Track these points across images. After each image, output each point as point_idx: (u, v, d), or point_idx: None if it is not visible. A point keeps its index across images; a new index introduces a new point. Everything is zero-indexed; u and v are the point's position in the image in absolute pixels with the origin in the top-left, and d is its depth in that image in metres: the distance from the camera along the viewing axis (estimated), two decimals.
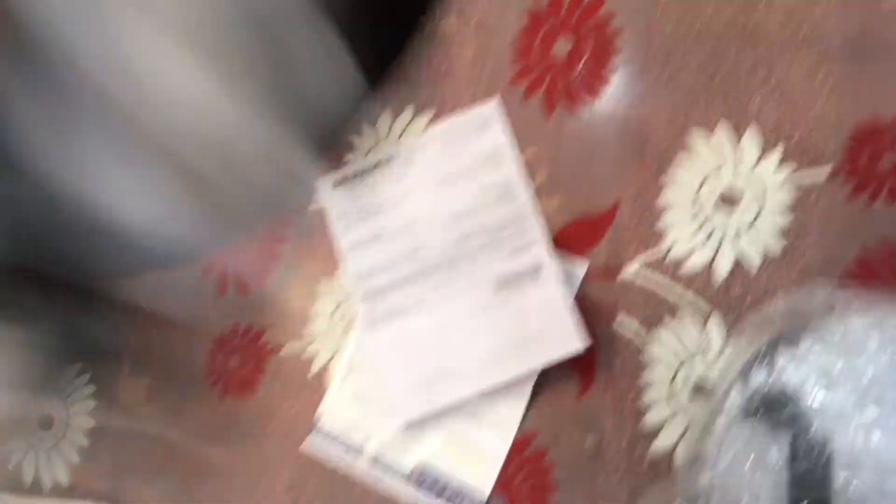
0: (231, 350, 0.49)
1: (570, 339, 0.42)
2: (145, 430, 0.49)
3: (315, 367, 0.47)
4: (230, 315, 0.49)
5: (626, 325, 0.43)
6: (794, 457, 0.37)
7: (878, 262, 0.40)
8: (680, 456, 0.41)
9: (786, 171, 0.43)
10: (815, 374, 0.38)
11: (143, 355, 0.50)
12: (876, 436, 0.37)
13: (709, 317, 0.42)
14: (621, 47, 0.47)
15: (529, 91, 0.47)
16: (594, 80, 0.47)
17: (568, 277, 0.44)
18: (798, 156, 0.43)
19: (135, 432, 0.49)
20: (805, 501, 0.36)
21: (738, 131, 0.44)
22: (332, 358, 0.47)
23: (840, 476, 0.36)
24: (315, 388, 0.47)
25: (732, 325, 0.42)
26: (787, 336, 0.39)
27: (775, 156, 0.43)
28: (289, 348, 0.48)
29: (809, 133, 0.43)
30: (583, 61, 0.47)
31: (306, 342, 0.48)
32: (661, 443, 0.41)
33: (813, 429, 0.37)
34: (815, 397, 0.37)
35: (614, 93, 0.46)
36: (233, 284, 0.49)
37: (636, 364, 0.43)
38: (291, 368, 0.48)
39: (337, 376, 0.47)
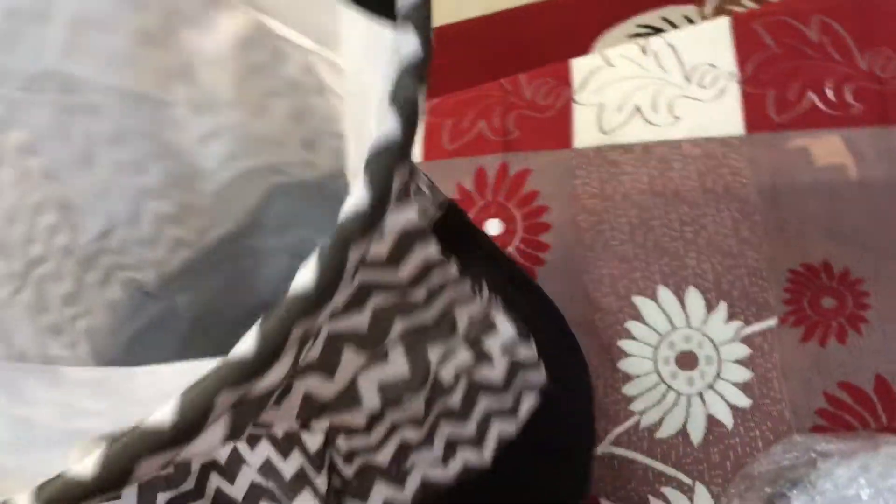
0: None
1: None
2: None
3: None
4: None
5: None
6: None
7: (842, 404, 0.41)
8: None
9: (735, 326, 0.44)
10: None
11: None
12: None
13: (693, 490, 0.41)
14: (551, 222, 0.48)
15: None
16: (532, 259, 0.48)
17: None
18: (743, 310, 0.44)
19: None
20: None
21: (679, 294, 0.45)
22: None
23: None
24: None
25: (718, 496, 0.40)
26: (776, 499, 0.38)
27: (721, 313, 0.44)
28: None
29: (748, 286, 0.44)
30: (517, 239, 0.48)
31: None
32: None
33: None
34: None
35: (555, 268, 0.47)
36: None
37: None
38: None
39: None
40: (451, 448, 0.29)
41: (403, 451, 0.27)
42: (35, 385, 0.24)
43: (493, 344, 0.28)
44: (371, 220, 0.16)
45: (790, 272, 0.44)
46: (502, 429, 0.30)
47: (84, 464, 0.15)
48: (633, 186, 0.48)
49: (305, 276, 0.15)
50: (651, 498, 0.42)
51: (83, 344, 0.33)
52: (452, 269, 0.24)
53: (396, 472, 0.28)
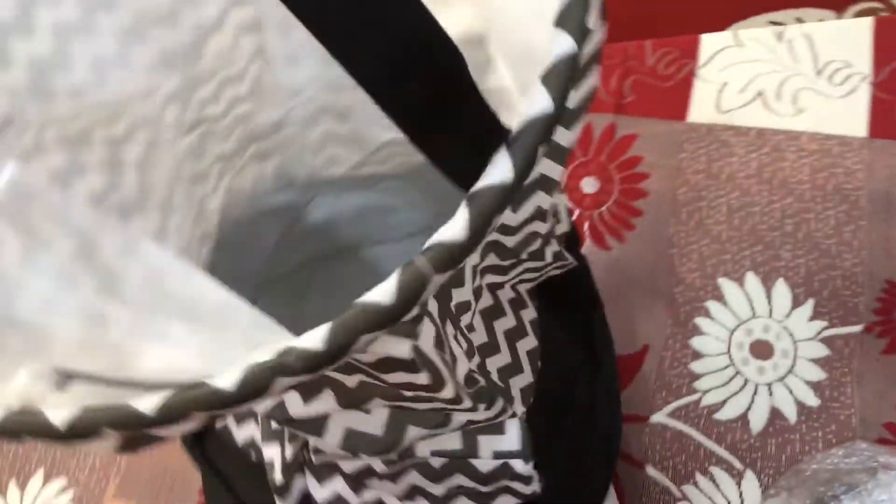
0: None
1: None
2: None
3: None
4: None
5: (655, 479, 0.42)
6: None
7: None
8: None
9: (817, 326, 0.43)
10: None
11: (134, 475, 0.48)
12: None
13: (742, 476, 0.41)
14: (649, 190, 0.48)
15: None
16: (623, 222, 0.48)
17: None
18: (829, 312, 0.43)
19: None
20: None
21: (768, 283, 0.45)
22: None
23: None
24: None
25: (767, 486, 0.40)
26: (826, 500, 0.38)
27: (806, 310, 0.43)
28: None
29: (839, 289, 0.44)
30: (612, 200, 0.48)
31: None
32: None
33: None
34: None
35: (644, 235, 0.47)
36: None
37: None
38: None
39: None
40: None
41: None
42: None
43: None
44: (549, 128, 0.16)
45: (887, 283, 0.43)
46: None
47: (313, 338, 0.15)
48: (741, 170, 0.48)
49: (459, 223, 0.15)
50: (698, 475, 0.42)
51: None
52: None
53: None
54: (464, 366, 0.23)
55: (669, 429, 0.43)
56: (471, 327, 0.28)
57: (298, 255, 0.41)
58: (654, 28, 0.56)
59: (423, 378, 0.20)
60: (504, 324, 0.31)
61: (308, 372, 0.15)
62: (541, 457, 0.28)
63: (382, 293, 0.15)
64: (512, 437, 0.27)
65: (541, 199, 0.23)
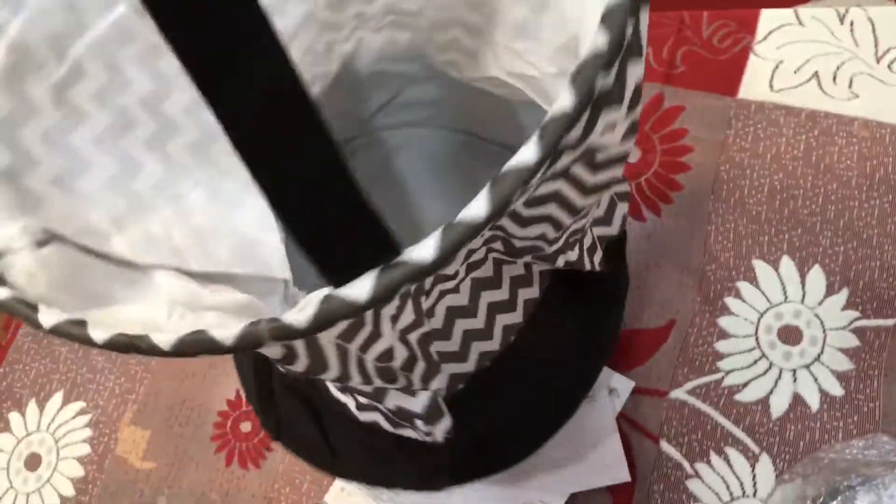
0: (244, 413, 0.47)
1: (614, 470, 0.41)
2: (139, 489, 0.47)
3: None
4: None
5: (669, 454, 0.42)
6: None
7: None
8: None
9: (849, 316, 0.42)
10: None
11: (151, 404, 0.49)
12: None
13: (758, 459, 0.41)
14: (691, 164, 0.48)
15: None
16: (661, 195, 0.47)
17: (613, 396, 0.43)
18: (863, 302, 0.42)
19: (126, 491, 0.47)
20: None
21: (803, 268, 0.44)
22: None
23: None
24: None
25: (783, 470, 0.40)
26: (842, 490, 0.37)
27: (840, 299, 0.43)
28: None
29: (876, 280, 0.43)
30: (651, 171, 0.48)
31: None
32: None
33: None
34: None
35: (680, 209, 0.47)
36: None
37: (676, 499, 0.41)
38: None
39: None
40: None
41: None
42: None
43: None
44: (571, 123, 0.18)
45: None
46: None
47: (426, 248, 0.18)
48: (787, 151, 0.47)
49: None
50: (712, 454, 0.42)
51: None
52: None
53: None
54: (384, 344, 0.25)
55: (688, 405, 0.43)
56: (439, 294, 0.31)
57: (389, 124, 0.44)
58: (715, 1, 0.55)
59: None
60: (493, 296, 0.34)
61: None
62: (463, 418, 0.33)
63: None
64: (419, 402, 0.30)
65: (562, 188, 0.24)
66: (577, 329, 0.38)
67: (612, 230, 0.34)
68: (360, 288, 0.18)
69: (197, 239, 0.30)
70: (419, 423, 0.32)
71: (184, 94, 0.31)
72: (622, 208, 0.34)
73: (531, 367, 0.37)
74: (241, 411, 0.48)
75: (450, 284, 0.30)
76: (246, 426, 0.47)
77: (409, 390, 0.30)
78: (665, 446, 0.42)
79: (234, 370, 0.49)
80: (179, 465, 0.47)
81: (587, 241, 0.32)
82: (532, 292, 0.35)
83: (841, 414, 0.41)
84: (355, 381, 0.26)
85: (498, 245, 0.28)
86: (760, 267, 0.45)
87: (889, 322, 0.42)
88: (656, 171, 0.48)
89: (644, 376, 0.44)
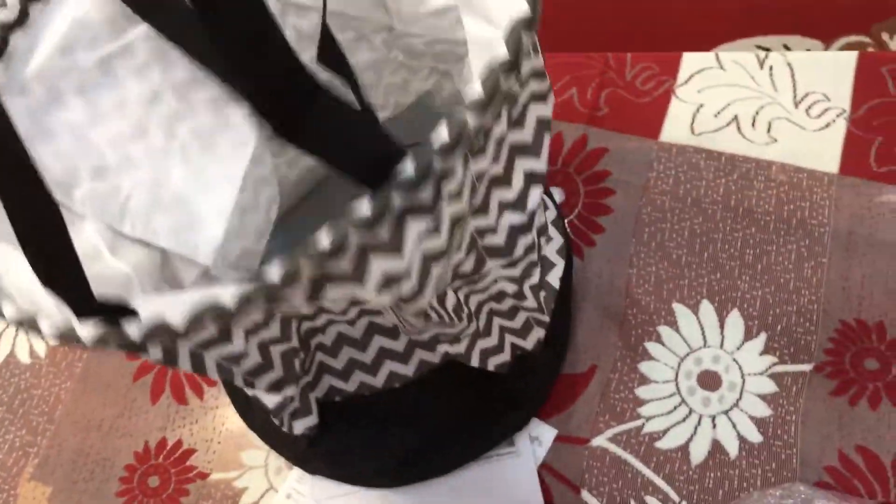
0: (151, 467, 0.46)
1: None
2: None
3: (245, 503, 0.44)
4: (159, 426, 0.46)
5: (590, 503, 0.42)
6: None
7: (855, 469, 0.40)
8: None
9: (767, 361, 0.43)
10: None
11: (53, 457, 0.47)
12: None
13: None
14: (613, 207, 0.48)
15: None
16: (584, 237, 0.47)
17: (535, 445, 0.43)
18: (781, 347, 0.43)
19: None
20: None
21: (722, 313, 0.44)
22: (262, 497, 0.44)
23: None
24: None
25: None
26: None
27: (758, 344, 0.43)
28: (217, 476, 0.45)
29: (793, 326, 0.43)
30: (575, 213, 0.48)
31: (239, 471, 0.45)
32: None
33: None
34: None
35: (603, 252, 0.47)
36: (168, 392, 0.47)
37: None
38: (217, 500, 0.45)
39: None
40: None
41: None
42: None
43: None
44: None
45: (841, 323, 0.43)
46: None
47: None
48: (707, 195, 0.47)
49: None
50: (632, 501, 0.41)
51: None
52: None
53: None
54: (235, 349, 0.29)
55: (609, 453, 0.42)
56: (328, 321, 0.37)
57: None
58: (639, 41, 0.56)
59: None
60: (388, 343, 0.40)
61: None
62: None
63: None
64: (271, 399, 0.37)
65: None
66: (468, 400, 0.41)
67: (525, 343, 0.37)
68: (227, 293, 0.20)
69: (149, 207, 0.33)
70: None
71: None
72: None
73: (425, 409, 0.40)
74: (149, 465, 0.46)
75: (341, 317, 0.32)
76: (154, 481, 0.46)
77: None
78: (586, 496, 0.42)
79: (143, 421, 0.47)
80: None
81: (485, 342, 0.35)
82: (430, 356, 0.36)
83: (759, 461, 0.41)
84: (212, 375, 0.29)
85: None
86: (680, 311, 0.45)
87: (805, 367, 0.42)
88: (580, 214, 0.48)
89: (565, 423, 0.44)
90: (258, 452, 0.45)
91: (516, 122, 0.25)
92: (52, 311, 0.22)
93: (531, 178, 0.27)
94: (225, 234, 0.36)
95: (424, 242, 0.22)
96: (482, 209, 0.27)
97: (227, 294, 0.19)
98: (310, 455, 0.43)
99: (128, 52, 0.36)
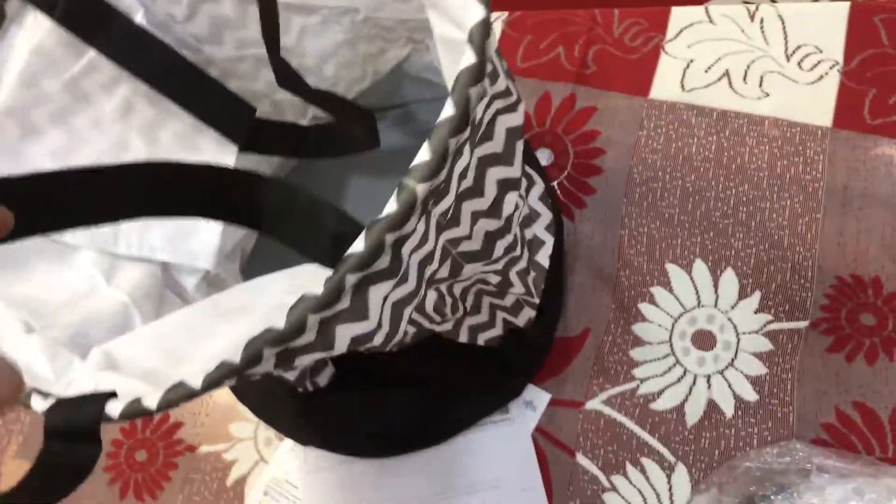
0: (138, 442, 0.45)
1: (531, 494, 0.40)
2: None
3: (233, 476, 0.44)
4: None
5: (585, 467, 0.41)
6: None
7: (852, 424, 0.39)
8: None
9: (762, 320, 0.42)
10: None
11: (38, 434, 0.46)
12: None
13: (674, 469, 0.40)
14: (603, 167, 0.47)
15: None
16: (574, 199, 0.46)
17: (528, 409, 0.42)
18: (776, 305, 0.42)
19: None
20: None
21: (716, 272, 0.43)
22: (252, 469, 0.44)
23: None
24: (231, 500, 0.43)
25: (699, 479, 0.40)
26: (757, 500, 0.37)
27: (752, 302, 0.43)
28: (206, 448, 0.44)
29: (788, 283, 0.43)
30: (564, 175, 0.47)
31: (228, 444, 0.44)
32: None
33: None
34: None
35: (594, 214, 0.46)
36: None
37: None
38: (207, 473, 0.44)
39: (253, 496, 0.43)
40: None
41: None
42: None
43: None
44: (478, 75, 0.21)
45: (837, 279, 0.42)
46: None
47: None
48: (699, 152, 0.46)
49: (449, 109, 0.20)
50: (629, 465, 0.41)
51: None
52: None
53: None
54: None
55: (604, 416, 0.42)
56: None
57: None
58: None
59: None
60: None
61: None
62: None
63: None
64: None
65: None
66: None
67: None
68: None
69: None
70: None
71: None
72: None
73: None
74: (136, 439, 0.45)
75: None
76: (141, 455, 0.45)
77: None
78: (581, 459, 0.41)
79: None
80: (69, 499, 0.44)
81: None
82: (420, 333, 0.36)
83: (755, 420, 0.41)
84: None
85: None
86: (674, 271, 0.44)
87: (801, 324, 0.42)
88: (569, 175, 0.47)
89: (559, 387, 0.43)
90: (247, 424, 0.45)
91: (484, 137, 0.25)
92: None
93: (505, 185, 0.27)
94: (221, 236, 0.37)
95: (392, 295, 0.23)
96: (453, 222, 0.26)
97: (195, 379, 0.21)
98: (301, 424, 0.42)
99: (92, 69, 0.35)
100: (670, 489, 0.40)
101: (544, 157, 0.48)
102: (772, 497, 0.37)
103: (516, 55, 0.51)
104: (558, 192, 0.47)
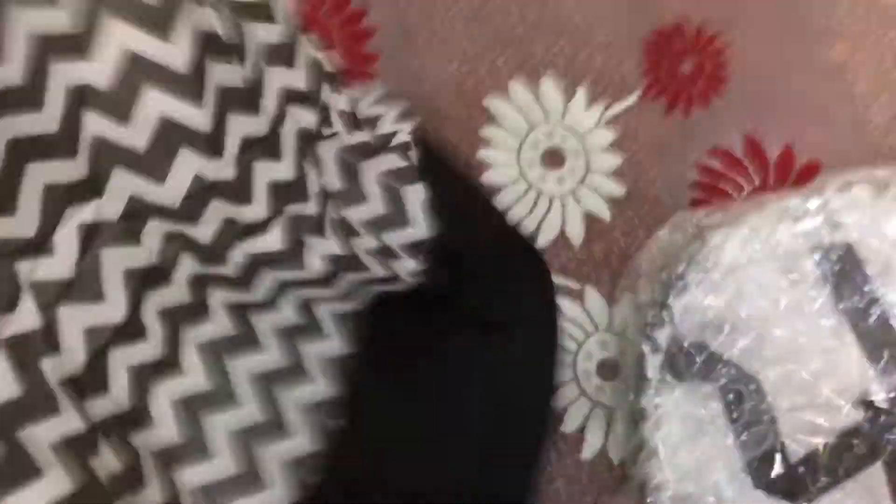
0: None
1: None
2: None
3: None
4: None
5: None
6: (730, 406, 0.35)
7: (715, 173, 0.39)
8: (615, 451, 0.37)
9: (597, 111, 0.40)
10: (711, 314, 0.36)
11: None
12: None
13: (584, 294, 0.39)
14: (373, 28, 0.42)
15: None
16: (359, 76, 0.41)
17: None
18: (602, 90, 0.41)
19: None
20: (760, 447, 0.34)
21: (533, 86, 0.41)
22: None
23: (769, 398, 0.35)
24: None
25: (609, 293, 0.39)
26: (671, 284, 0.37)
27: (580, 100, 0.40)
28: None
29: (603, 63, 0.41)
30: (339, 56, 0.41)
31: None
32: (591, 448, 0.38)
33: (734, 371, 0.35)
34: (722, 337, 0.36)
35: (387, 81, 0.41)
36: None
37: None
38: None
39: None
40: None
41: None
42: None
43: None
44: None
45: (644, 42, 0.41)
46: None
47: None
48: None
49: None
50: None
51: None
52: None
53: None
54: None
55: None
56: None
57: None
58: None
59: None
60: None
61: None
62: None
63: None
64: None
65: None
66: None
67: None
68: None
69: None
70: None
71: None
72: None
73: None
74: None
75: None
76: None
77: None
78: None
79: None
80: None
81: None
82: None
83: (632, 211, 0.39)
84: None
85: None
86: (493, 104, 0.41)
87: (632, 99, 0.40)
88: (345, 51, 0.42)
89: None
90: None
91: None
92: None
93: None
94: None
95: None
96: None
97: None
98: None
99: None
100: (588, 314, 0.39)
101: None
102: (683, 275, 0.36)
103: None
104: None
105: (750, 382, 0.35)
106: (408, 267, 0.28)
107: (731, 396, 0.35)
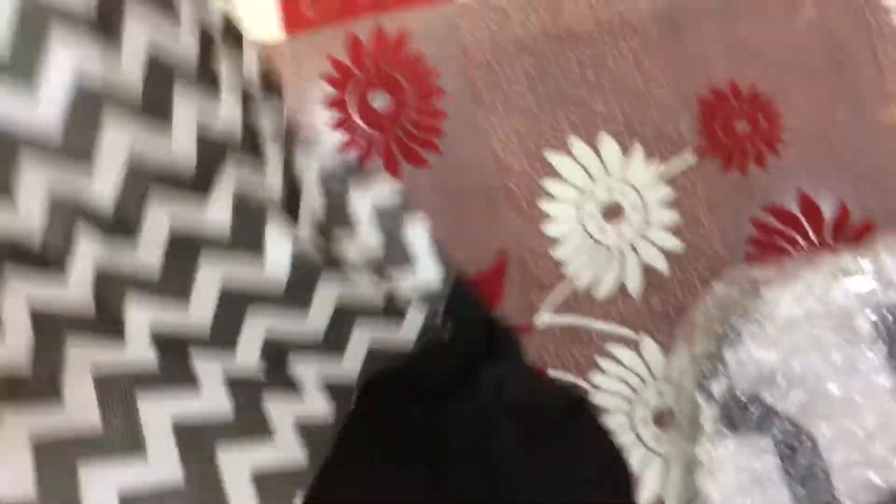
0: None
1: None
2: None
3: None
4: None
5: (560, 378, 0.41)
6: (785, 459, 0.36)
7: (771, 229, 0.41)
8: (671, 498, 0.38)
9: (653, 167, 0.42)
10: (766, 367, 0.37)
11: None
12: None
13: (640, 343, 0.40)
14: (443, 87, 0.44)
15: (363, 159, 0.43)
16: (428, 131, 0.43)
17: None
18: (658, 147, 0.42)
19: None
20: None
21: (592, 142, 0.43)
22: None
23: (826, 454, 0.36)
24: None
25: (666, 343, 0.40)
26: (727, 336, 0.38)
27: (638, 156, 0.42)
28: None
29: (659, 121, 0.43)
30: (409, 109, 0.44)
31: None
32: (647, 494, 0.39)
33: (788, 425, 0.36)
34: (776, 391, 0.37)
35: (455, 138, 0.43)
36: None
37: None
38: None
39: None
40: None
41: None
42: None
43: None
44: None
45: (699, 101, 0.43)
46: None
47: None
48: (525, 32, 0.44)
49: None
50: (598, 358, 0.41)
51: None
52: None
53: None
54: None
55: (555, 326, 0.41)
56: None
57: None
58: None
59: None
60: None
61: None
62: None
63: None
64: None
65: None
66: None
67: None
68: None
69: None
70: None
71: None
72: None
73: None
74: None
75: None
76: None
77: None
78: (553, 374, 0.41)
79: None
80: None
81: None
82: None
83: (689, 264, 0.41)
84: None
85: None
86: (555, 158, 0.43)
87: (688, 156, 0.42)
88: (416, 107, 0.44)
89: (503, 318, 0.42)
90: None
91: None
92: None
93: None
94: None
95: None
96: None
97: None
98: None
99: None
100: (645, 363, 0.40)
101: (382, 102, 0.44)
102: (739, 329, 0.38)
103: (301, 6, 0.46)
104: (412, 128, 0.44)
105: (805, 437, 0.36)
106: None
107: (786, 449, 0.36)
